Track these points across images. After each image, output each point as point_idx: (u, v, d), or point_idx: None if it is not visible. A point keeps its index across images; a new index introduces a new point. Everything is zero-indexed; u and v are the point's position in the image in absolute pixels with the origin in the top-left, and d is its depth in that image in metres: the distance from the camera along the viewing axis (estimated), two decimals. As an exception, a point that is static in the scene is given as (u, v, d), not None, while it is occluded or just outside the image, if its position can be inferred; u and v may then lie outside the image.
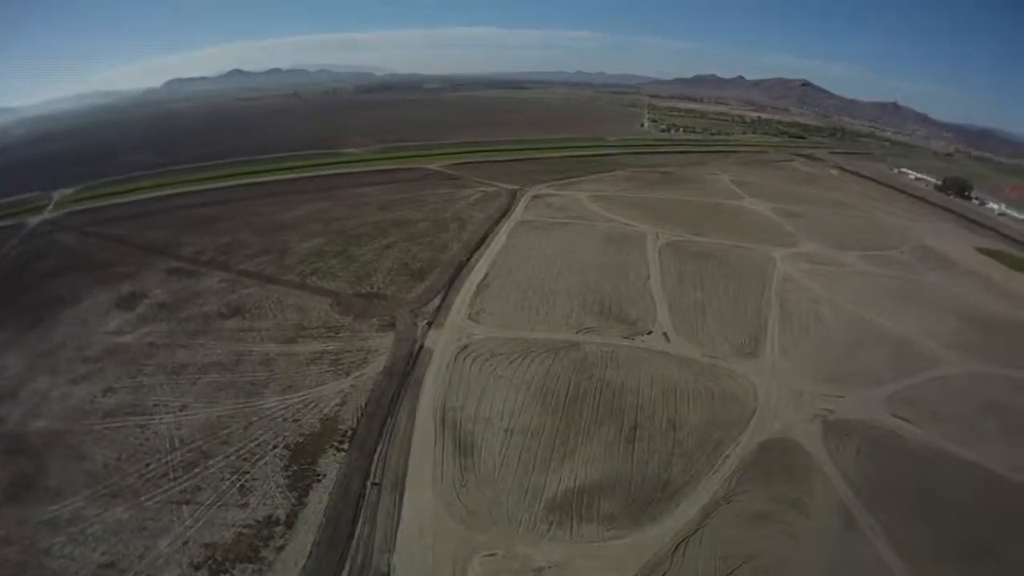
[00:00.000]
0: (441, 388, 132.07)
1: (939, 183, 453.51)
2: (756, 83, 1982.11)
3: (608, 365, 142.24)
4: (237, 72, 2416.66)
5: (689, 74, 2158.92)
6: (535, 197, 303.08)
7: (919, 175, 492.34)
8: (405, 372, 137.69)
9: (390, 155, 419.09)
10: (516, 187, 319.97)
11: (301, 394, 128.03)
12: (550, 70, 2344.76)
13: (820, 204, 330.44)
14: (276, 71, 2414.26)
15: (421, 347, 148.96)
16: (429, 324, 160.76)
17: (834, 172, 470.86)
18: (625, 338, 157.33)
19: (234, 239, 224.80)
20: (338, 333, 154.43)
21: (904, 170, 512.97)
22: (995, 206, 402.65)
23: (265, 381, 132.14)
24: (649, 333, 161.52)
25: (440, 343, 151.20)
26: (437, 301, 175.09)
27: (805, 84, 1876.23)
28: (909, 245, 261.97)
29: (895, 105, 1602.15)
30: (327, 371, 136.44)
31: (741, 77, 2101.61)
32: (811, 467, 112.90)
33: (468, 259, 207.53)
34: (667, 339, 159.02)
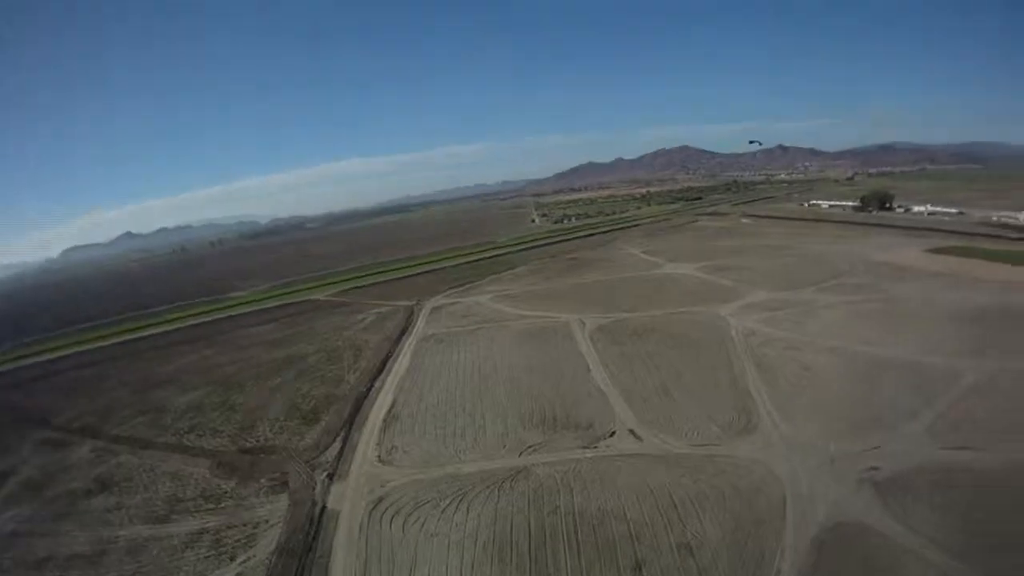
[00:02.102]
0: (356, 564, 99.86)
1: (857, 203, 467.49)
2: (637, 160, 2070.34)
3: (574, 489, 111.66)
4: (128, 235, 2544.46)
5: (567, 167, 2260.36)
6: (435, 309, 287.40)
7: (832, 202, 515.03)
8: (305, 547, 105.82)
9: (277, 293, 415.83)
10: (412, 302, 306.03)
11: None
12: (430, 191, 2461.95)
13: (747, 252, 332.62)
14: (164, 230, 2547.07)
15: (323, 509, 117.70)
16: (330, 477, 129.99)
17: (746, 220, 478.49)
18: (584, 448, 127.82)
19: (110, 400, 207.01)
20: (219, 503, 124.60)
21: (815, 201, 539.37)
22: (921, 208, 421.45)
23: None
24: (612, 435, 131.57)
25: (347, 500, 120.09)
26: (337, 445, 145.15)
27: (684, 147, 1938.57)
28: (860, 266, 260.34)
29: (781, 148, 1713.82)
30: (207, 556, 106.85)
31: (620, 159, 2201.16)
32: (891, 548, 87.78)
33: (369, 389, 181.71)
34: (637, 437, 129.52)
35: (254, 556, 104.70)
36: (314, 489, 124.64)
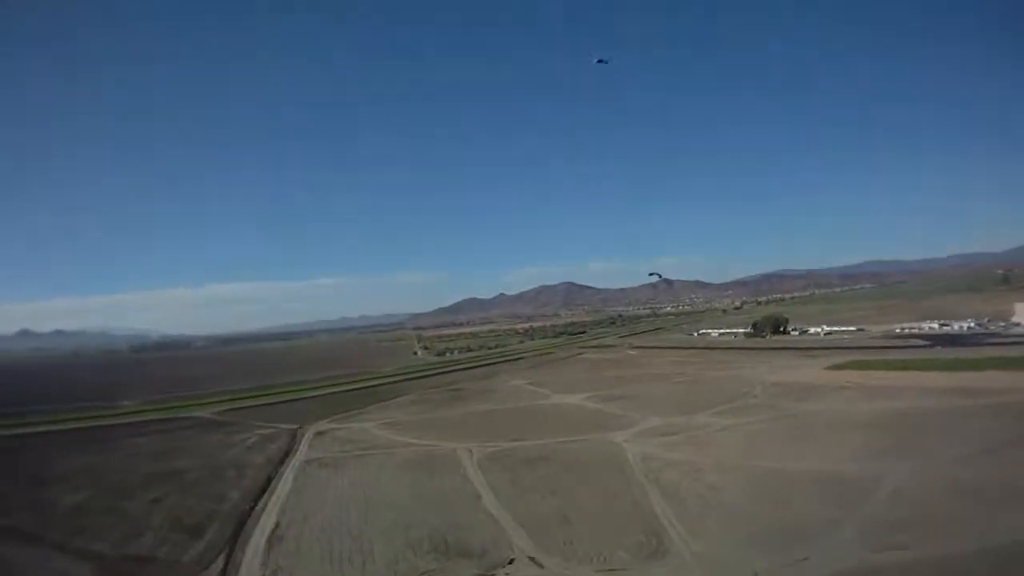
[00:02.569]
0: None
1: (749, 328, 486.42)
2: (518, 296, 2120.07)
3: None
4: (26, 332, 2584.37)
5: (448, 302, 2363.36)
6: (318, 433, 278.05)
7: (722, 330, 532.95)
8: None
9: (164, 406, 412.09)
10: (295, 426, 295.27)
11: None
12: (312, 319, 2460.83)
13: (635, 382, 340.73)
14: (60, 332, 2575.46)
15: None
16: None
17: (632, 352, 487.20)
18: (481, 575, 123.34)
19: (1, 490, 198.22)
20: None
21: (704, 331, 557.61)
22: (817, 329, 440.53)
23: None
24: (511, 562, 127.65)
25: None
26: (221, 561, 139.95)
27: (567, 283, 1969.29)
28: (757, 388, 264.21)
29: (666, 281, 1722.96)
30: None
31: (502, 294, 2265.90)
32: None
33: (251, 508, 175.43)
34: (538, 565, 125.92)
35: None
36: None
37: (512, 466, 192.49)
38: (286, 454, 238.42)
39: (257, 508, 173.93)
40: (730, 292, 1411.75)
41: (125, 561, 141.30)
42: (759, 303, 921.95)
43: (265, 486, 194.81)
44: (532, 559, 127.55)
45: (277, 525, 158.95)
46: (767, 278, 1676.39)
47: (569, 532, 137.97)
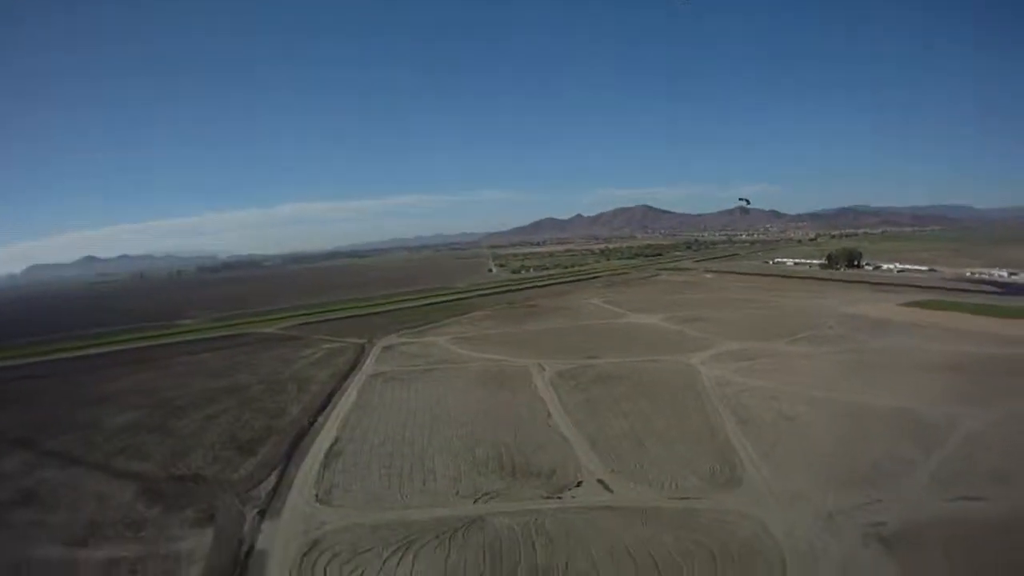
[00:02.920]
0: None
1: (824, 260, 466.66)
2: (596, 218, 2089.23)
3: (537, 544, 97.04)
4: (90, 258, 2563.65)
5: (526, 222, 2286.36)
6: (387, 348, 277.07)
7: (797, 260, 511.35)
8: None
9: (227, 323, 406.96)
10: (363, 341, 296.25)
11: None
12: (387, 238, 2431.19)
13: (713, 305, 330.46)
14: (126, 257, 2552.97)
15: (251, 549, 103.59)
16: (261, 514, 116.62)
17: (709, 276, 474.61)
18: (547, 498, 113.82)
19: (48, 414, 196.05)
20: (140, 531, 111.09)
21: (779, 260, 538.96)
22: (890, 266, 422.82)
23: None
24: (579, 485, 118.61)
25: (278, 540, 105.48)
26: (273, 479, 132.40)
27: (644, 207, 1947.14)
28: (833, 319, 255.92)
29: (743, 209, 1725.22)
30: None
31: (580, 215, 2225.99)
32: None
33: (311, 423, 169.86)
34: (607, 488, 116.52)
35: None
36: (243, 526, 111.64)
37: (585, 384, 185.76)
38: (351, 368, 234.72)
39: (317, 424, 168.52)
40: (804, 224, 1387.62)
41: (169, 481, 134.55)
42: (832, 236, 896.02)
43: (327, 401, 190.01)
44: (601, 482, 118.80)
45: (336, 441, 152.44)
46: (840, 212, 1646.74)
47: (641, 455, 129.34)
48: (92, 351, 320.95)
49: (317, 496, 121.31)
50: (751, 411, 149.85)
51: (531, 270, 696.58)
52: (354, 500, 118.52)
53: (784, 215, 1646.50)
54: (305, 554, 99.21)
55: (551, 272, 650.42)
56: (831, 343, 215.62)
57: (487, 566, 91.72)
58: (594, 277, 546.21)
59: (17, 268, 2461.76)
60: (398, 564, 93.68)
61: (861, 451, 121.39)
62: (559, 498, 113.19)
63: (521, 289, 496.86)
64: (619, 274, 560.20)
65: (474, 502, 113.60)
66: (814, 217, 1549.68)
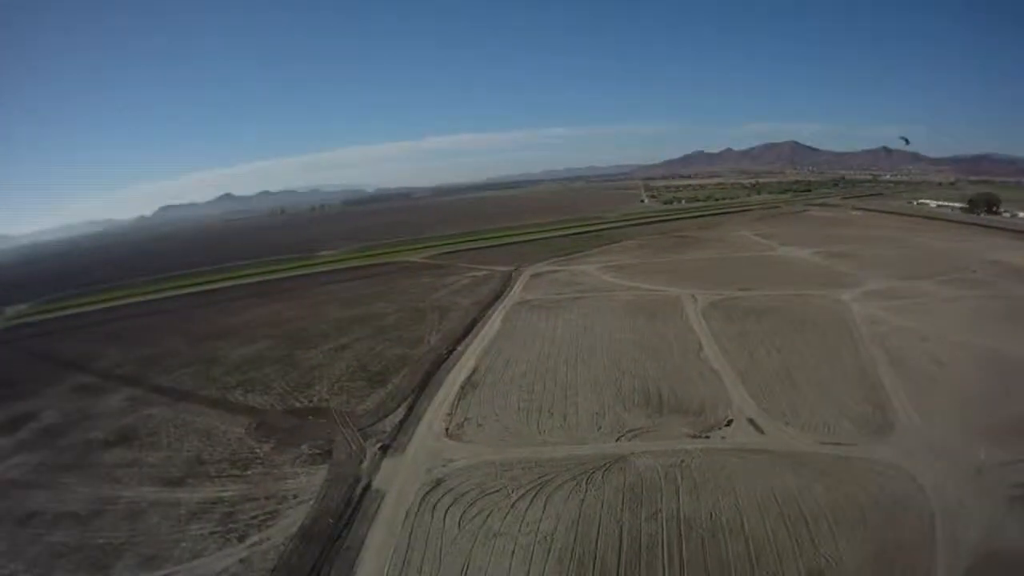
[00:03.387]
0: (390, 564, 78.68)
1: (966, 204, 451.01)
2: (745, 152, 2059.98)
3: (680, 488, 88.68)
4: (227, 196, 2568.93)
5: (677, 154, 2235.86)
6: (535, 275, 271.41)
7: (939, 202, 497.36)
8: (334, 535, 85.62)
9: (368, 253, 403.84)
10: (511, 268, 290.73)
11: (160, 574, 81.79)
12: (538, 170, 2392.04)
13: (861, 241, 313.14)
14: (266, 193, 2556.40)
15: (367, 488, 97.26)
16: (383, 449, 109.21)
17: (856, 213, 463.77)
18: (695, 437, 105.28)
19: (163, 349, 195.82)
20: (246, 470, 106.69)
21: (923, 201, 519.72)
22: None
23: (120, 547, 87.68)
24: (729, 424, 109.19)
25: (398, 479, 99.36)
26: (401, 412, 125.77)
27: (792, 143, 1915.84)
28: (977, 263, 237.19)
29: (885, 149, 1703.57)
30: (212, 533, 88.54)
31: (729, 149, 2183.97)
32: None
33: (449, 352, 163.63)
34: (758, 429, 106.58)
35: (268, 539, 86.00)
36: (361, 463, 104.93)
37: (737, 316, 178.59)
38: (497, 296, 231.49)
39: (456, 353, 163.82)
40: (943, 168, 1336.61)
41: (286, 415, 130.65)
42: (970, 181, 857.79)
43: (469, 329, 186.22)
44: (752, 422, 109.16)
45: (474, 371, 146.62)
46: (979, 158, 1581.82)
47: (793, 395, 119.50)
48: (218, 285, 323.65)
49: (447, 430, 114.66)
50: (903, 353, 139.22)
51: (682, 201, 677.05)
52: (487, 435, 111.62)
53: (924, 158, 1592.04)
54: (426, 495, 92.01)
55: (702, 204, 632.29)
56: (978, 287, 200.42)
57: (625, 512, 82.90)
58: (745, 210, 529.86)
59: (149, 209, 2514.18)
60: (527, 508, 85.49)
61: (1012, 404, 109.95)
62: (707, 437, 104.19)
63: (672, 220, 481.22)
64: (770, 207, 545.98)
65: (616, 440, 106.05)
66: (952, 162, 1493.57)
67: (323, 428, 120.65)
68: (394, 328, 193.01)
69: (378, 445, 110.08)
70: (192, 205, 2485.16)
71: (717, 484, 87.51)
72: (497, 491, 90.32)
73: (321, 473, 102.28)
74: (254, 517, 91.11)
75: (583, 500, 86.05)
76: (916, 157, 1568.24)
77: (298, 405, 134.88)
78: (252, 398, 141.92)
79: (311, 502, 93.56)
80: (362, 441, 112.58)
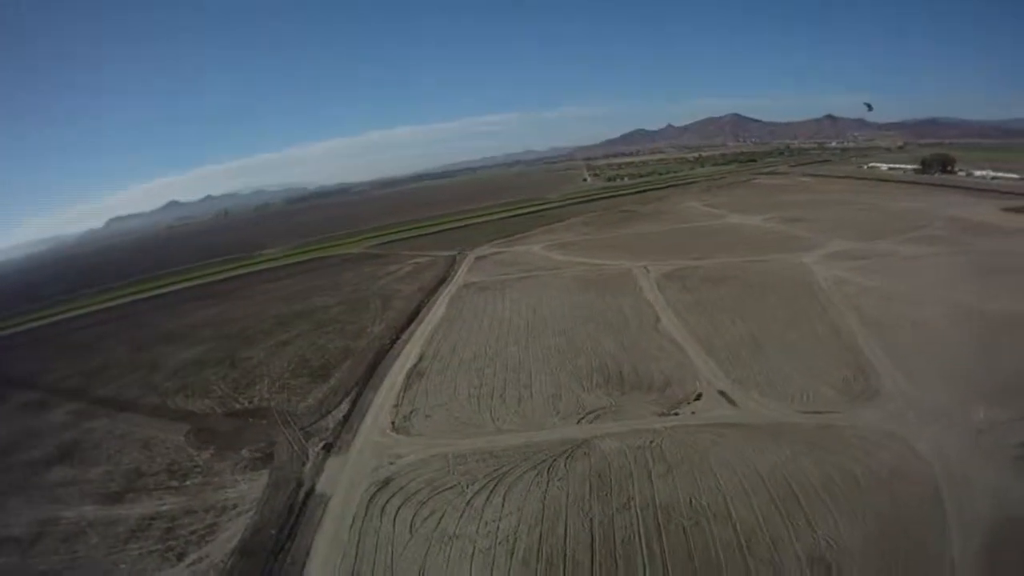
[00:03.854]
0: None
1: (918, 165, 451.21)
2: (685, 128, 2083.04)
3: (653, 472, 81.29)
4: (173, 204, 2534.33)
5: (616, 134, 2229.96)
6: (479, 258, 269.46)
7: (891, 165, 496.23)
8: (276, 548, 78.30)
9: (310, 248, 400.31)
10: (454, 252, 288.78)
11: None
12: (477, 158, 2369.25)
13: (814, 206, 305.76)
14: (209, 198, 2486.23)
15: (310, 493, 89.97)
16: (327, 448, 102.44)
17: (805, 179, 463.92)
18: (662, 415, 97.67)
19: (106, 359, 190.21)
20: (185, 480, 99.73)
21: (873, 164, 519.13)
22: (983, 173, 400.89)
23: (60, 574, 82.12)
24: (698, 398, 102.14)
25: (343, 480, 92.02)
26: (344, 407, 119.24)
27: (734, 115, 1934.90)
28: (936, 221, 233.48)
29: (831, 117, 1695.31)
30: (152, 552, 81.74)
31: (670, 125, 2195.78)
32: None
33: (393, 341, 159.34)
34: (730, 401, 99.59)
35: (207, 556, 78.77)
36: (304, 465, 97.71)
37: (694, 285, 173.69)
38: (441, 281, 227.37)
39: (400, 341, 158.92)
40: (890, 133, 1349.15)
41: (227, 418, 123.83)
42: (920, 145, 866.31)
43: (413, 316, 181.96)
44: (723, 394, 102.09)
45: (420, 359, 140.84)
46: (926, 123, 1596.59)
47: (764, 363, 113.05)
48: (163, 290, 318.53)
49: (393, 423, 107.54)
50: (876, 314, 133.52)
51: (625, 179, 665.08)
52: (436, 426, 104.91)
53: (871, 123, 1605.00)
54: (374, 496, 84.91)
55: (646, 179, 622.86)
56: (941, 244, 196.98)
57: (594, 503, 75.57)
58: (690, 182, 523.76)
59: (98, 222, 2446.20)
60: (485, 505, 77.94)
61: (998, 360, 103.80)
62: (676, 414, 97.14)
63: (616, 196, 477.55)
64: (715, 179, 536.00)
65: (577, 422, 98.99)
66: (900, 127, 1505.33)
67: (264, 430, 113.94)
68: (336, 321, 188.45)
69: (321, 444, 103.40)
70: (140, 215, 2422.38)
71: (693, 465, 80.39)
72: (450, 488, 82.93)
73: (262, 479, 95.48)
74: (193, 532, 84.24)
75: (546, 492, 78.66)
76: (862, 123, 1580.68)
77: (238, 407, 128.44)
78: (192, 403, 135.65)
79: (251, 512, 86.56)
80: (304, 441, 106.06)
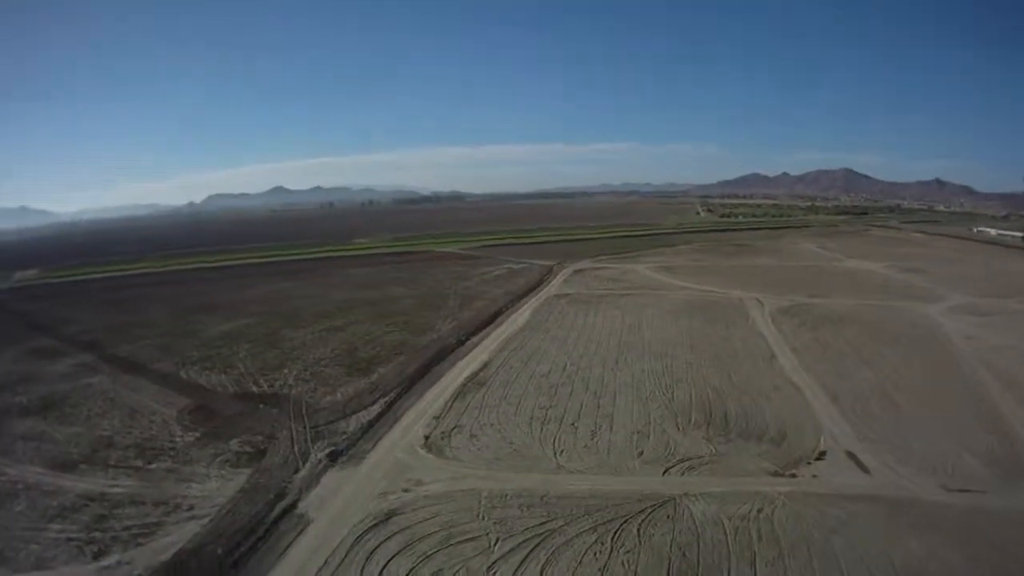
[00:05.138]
0: None
1: None
2: (800, 177, 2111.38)
3: (758, 555, 58.24)
4: (280, 189, 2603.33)
5: (732, 176, 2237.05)
6: (578, 271, 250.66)
7: (999, 231, 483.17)
8: (212, 574, 60.81)
9: (405, 242, 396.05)
10: (553, 263, 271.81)
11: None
12: (594, 183, 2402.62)
13: (931, 259, 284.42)
14: (319, 188, 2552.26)
15: (288, 510, 69.99)
16: (332, 456, 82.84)
17: (918, 235, 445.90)
18: (776, 474, 75.63)
19: (141, 318, 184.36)
20: (151, 462, 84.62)
21: (982, 229, 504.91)
22: None
23: None
24: (821, 457, 79.67)
25: (337, 502, 71.75)
26: (375, 409, 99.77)
27: (847, 170, 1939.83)
28: None
29: (938, 181, 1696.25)
30: (71, 540, 67.23)
31: (785, 174, 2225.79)
32: None
33: (461, 343, 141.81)
34: (861, 467, 76.97)
35: (129, 562, 62.83)
36: (296, 471, 78.45)
37: (812, 324, 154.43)
38: (532, 288, 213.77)
39: (470, 343, 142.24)
40: (993, 202, 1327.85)
41: (234, 399, 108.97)
42: (1022, 215, 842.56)
43: (491, 319, 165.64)
44: (851, 456, 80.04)
45: (485, 366, 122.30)
46: None
47: (897, 419, 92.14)
48: (234, 263, 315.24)
49: (427, 439, 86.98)
50: (1012, 375, 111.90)
51: (739, 217, 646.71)
52: (480, 451, 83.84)
53: (976, 192, 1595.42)
54: (365, 533, 63.86)
55: (760, 219, 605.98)
56: None
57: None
58: (804, 226, 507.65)
59: (199, 197, 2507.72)
60: (514, 574, 55.86)
61: None
62: (793, 476, 74.33)
63: (729, 231, 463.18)
64: (829, 225, 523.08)
65: (664, 472, 77.10)
66: (1002, 197, 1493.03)
67: (270, 420, 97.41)
68: (403, 313, 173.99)
69: (327, 450, 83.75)
70: (243, 195, 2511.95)
71: (813, 553, 57.96)
72: (471, 539, 61.22)
73: (239, 479, 78.19)
74: (127, 528, 68.63)
75: (604, 570, 55.66)
76: (968, 190, 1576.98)
77: (254, 389, 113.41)
78: (206, 376, 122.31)
79: (207, 519, 69.21)
80: (309, 442, 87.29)
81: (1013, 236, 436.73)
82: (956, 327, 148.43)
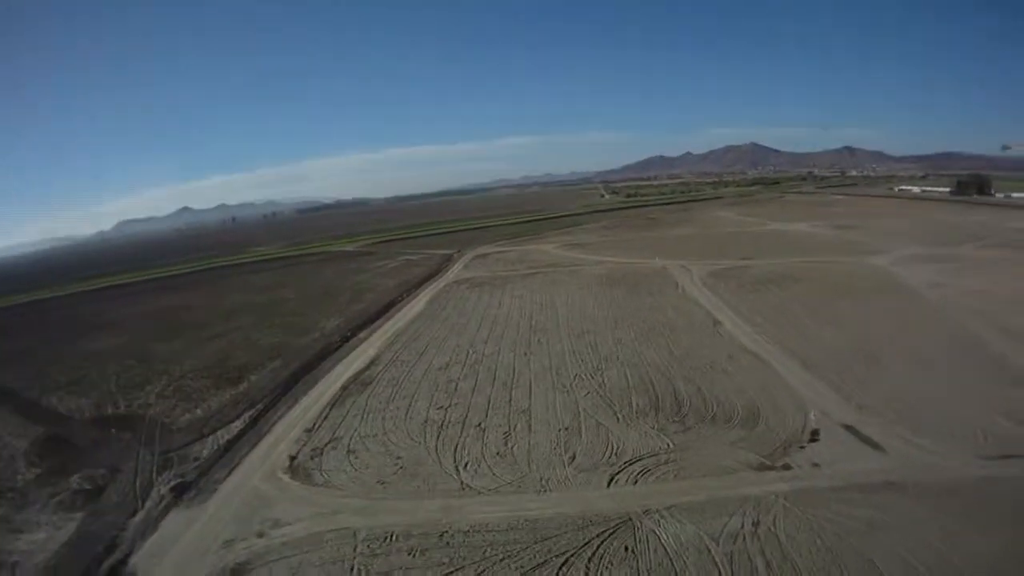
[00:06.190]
0: None
1: (953, 187, 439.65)
2: (705, 156, 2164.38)
3: None
4: (186, 210, 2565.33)
5: (635, 160, 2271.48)
6: (480, 256, 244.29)
7: (924, 187, 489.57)
8: None
9: (303, 246, 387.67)
10: (452, 251, 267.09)
11: None
12: (493, 179, 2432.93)
13: (860, 217, 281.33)
14: (223, 206, 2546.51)
15: (116, 568, 53.38)
16: (177, 490, 65.95)
17: (839, 197, 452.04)
18: (763, 467, 57.27)
19: (13, 345, 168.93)
20: None
21: (904, 187, 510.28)
22: (1020, 194, 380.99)
23: None
24: (814, 439, 61.78)
25: (174, 553, 54.17)
26: (237, 426, 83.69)
27: (753, 144, 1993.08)
28: (998, 232, 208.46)
29: (849, 149, 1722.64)
30: None
31: (689, 153, 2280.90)
32: None
33: (345, 340, 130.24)
34: (868, 442, 60.25)
35: None
36: (133, 514, 62.00)
37: (753, 284, 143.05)
38: (428, 277, 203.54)
39: (355, 339, 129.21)
40: (907, 165, 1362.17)
41: (92, 424, 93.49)
42: (940, 175, 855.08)
43: (382, 312, 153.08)
44: (851, 430, 63.25)
45: (371, 363, 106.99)
46: (940, 156, 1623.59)
47: (893, 381, 76.52)
48: (122, 281, 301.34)
49: (293, 460, 68.25)
50: (1004, 320, 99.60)
51: (645, 196, 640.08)
52: (358, 472, 65.17)
53: (888, 156, 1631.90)
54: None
55: (667, 196, 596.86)
56: (1017, 248, 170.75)
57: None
58: (716, 198, 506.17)
59: (108, 225, 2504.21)
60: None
61: None
62: (786, 467, 56.72)
63: (638, 207, 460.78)
64: (743, 196, 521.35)
65: (610, 482, 57.89)
66: (916, 160, 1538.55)
67: (120, 447, 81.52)
68: (288, 313, 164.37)
69: (173, 483, 66.34)
70: (151, 219, 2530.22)
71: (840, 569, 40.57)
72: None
73: (71, 526, 61.90)
74: None
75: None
76: (880, 155, 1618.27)
77: (110, 411, 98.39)
78: (70, 400, 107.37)
79: None
80: (155, 473, 70.73)
81: (940, 191, 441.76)
82: (917, 276, 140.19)
